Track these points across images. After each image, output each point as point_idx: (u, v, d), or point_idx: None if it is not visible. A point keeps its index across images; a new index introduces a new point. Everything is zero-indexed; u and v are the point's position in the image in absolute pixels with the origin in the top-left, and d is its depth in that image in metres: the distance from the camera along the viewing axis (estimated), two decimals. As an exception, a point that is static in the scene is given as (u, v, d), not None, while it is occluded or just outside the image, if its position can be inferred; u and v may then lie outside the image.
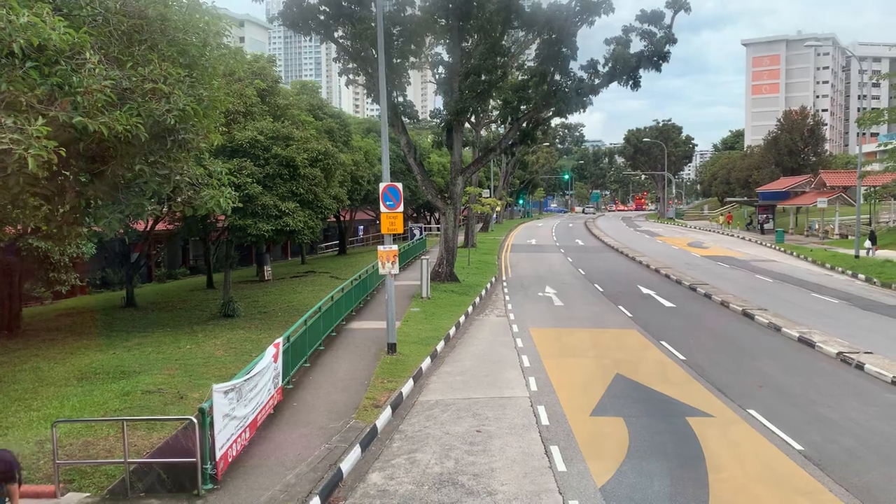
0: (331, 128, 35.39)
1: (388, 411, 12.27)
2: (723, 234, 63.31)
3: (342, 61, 28.49)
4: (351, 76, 30.33)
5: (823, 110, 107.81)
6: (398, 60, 27.38)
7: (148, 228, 28.26)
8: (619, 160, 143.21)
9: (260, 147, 19.80)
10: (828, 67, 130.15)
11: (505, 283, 30.89)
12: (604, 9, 26.00)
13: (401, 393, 13.36)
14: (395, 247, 16.02)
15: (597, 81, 25.51)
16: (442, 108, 29.03)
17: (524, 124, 29.08)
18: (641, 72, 24.73)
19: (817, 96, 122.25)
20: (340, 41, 27.34)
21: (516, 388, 14.16)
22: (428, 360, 16.03)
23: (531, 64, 28.03)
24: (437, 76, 28.91)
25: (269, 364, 12.10)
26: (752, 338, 19.14)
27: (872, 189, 55.59)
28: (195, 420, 8.95)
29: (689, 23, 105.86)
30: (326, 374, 14.88)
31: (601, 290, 28.49)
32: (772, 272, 33.67)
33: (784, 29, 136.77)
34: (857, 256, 35.26)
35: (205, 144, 8.83)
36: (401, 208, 16.00)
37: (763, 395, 13.60)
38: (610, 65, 24.77)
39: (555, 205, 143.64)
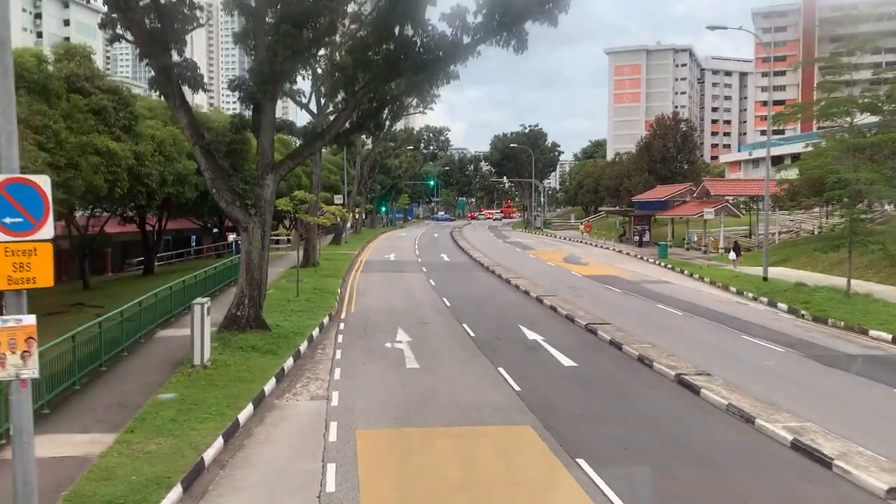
0: (103, 106, 25.55)
1: None
2: (596, 246, 58.03)
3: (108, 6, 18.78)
4: (118, 30, 20.77)
5: (683, 119, 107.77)
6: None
7: None
8: (486, 167, 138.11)
9: None
10: (685, 78, 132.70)
11: (342, 325, 22.41)
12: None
13: None
14: (27, 320, 7.09)
15: (466, 39, 17.63)
16: (246, 75, 20.13)
17: (369, 103, 20.83)
18: (529, 25, 17.09)
19: (676, 106, 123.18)
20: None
21: None
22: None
23: (374, 16, 19.52)
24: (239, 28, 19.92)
25: None
26: (717, 442, 11.77)
27: (749, 198, 52.40)
28: None
29: (549, 39, 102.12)
30: None
31: (472, 334, 20.70)
32: (674, 300, 27.43)
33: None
34: (765, 279, 29.87)
35: None
36: (45, 232, 7.13)
37: None
38: (485, 11, 16.87)
39: (443, 213, 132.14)
